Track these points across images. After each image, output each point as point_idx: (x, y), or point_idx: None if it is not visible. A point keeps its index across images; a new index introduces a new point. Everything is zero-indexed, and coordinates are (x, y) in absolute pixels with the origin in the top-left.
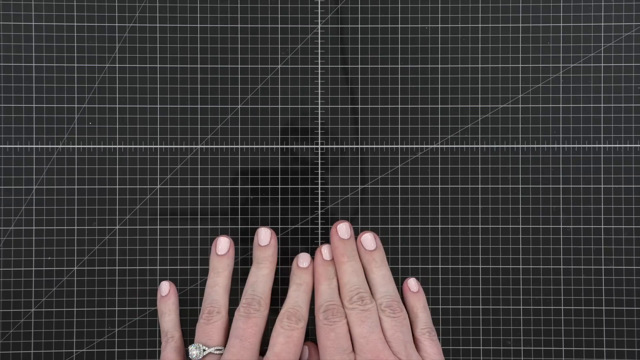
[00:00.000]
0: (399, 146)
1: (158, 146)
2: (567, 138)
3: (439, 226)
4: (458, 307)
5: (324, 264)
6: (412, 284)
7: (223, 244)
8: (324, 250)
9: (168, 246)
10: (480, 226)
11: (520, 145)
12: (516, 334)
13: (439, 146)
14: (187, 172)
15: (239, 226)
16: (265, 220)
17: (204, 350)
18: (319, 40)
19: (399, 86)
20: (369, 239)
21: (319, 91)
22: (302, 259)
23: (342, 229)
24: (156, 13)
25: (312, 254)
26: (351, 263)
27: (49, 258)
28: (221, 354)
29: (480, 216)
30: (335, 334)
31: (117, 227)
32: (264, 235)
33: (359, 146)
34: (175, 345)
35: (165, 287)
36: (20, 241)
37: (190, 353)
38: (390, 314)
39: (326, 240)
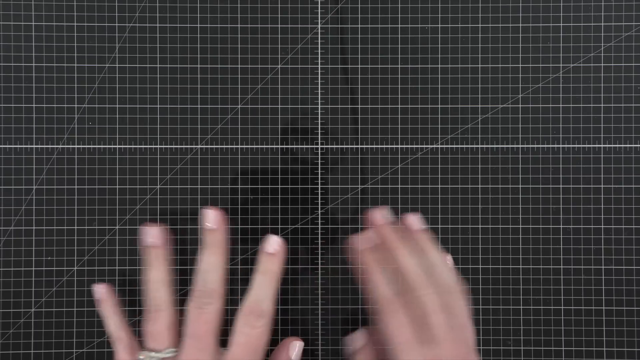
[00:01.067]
0: (399, 146)
1: (158, 146)
2: (567, 138)
3: (439, 226)
4: None
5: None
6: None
7: (152, 231)
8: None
9: (168, 246)
10: (480, 226)
11: (520, 145)
12: (516, 334)
13: (439, 146)
14: (187, 172)
15: (239, 226)
16: (265, 220)
17: (152, 358)
18: (319, 40)
19: (399, 86)
20: (414, 220)
21: (319, 91)
22: (269, 244)
23: (379, 215)
24: (156, 13)
25: (312, 254)
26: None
27: (49, 258)
28: (175, 354)
29: (480, 216)
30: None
31: (117, 227)
32: (211, 217)
33: (359, 146)
34: (124, 345)
35: (99, 291)
36: (20, 241)
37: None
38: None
39: (326, 240)
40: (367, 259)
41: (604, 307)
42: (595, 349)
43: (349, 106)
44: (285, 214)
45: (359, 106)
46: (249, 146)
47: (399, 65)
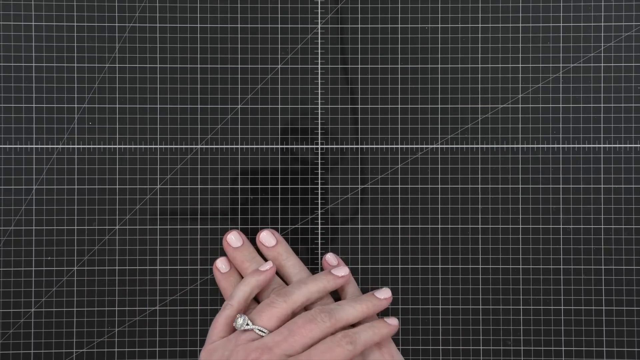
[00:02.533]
0: (399, 146)
1: (158, 146)
2: (567, 138)
3: (439, 226)
4: (458, 307)
5: (224, 277)
6: (330, 259)
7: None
8: (220, 264)
9: (168, 246)
10: (480, 226)
11: (520, 145)
12: (516, 334)
13: (439, 146)
14: (187, 172)
15: (239, 226)
16: (265, 220)
17: (247, 324)
18: (319, 40)
19: (399, 86)
20: (267, 237)
21: (319, 91)
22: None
23: (232, 238)
24: (156, 13)
25: (312, 254)
26: (253, 265)
27: (49, 258)
28: (263, 335)
29: (480, 216)
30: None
31: (117, 227)
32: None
33: (359, 146)
34: (230, 314)
35: (268, 265)
36: (20, 241)
37: (236, 320)
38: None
39: (326, 240)
40: (224, 284)
41: (604, 307)
42: (595, 349)
43: (349, 106)
44: (285, 214)
45: (359, 106)
46: (249, 146)
47: (399, 65)
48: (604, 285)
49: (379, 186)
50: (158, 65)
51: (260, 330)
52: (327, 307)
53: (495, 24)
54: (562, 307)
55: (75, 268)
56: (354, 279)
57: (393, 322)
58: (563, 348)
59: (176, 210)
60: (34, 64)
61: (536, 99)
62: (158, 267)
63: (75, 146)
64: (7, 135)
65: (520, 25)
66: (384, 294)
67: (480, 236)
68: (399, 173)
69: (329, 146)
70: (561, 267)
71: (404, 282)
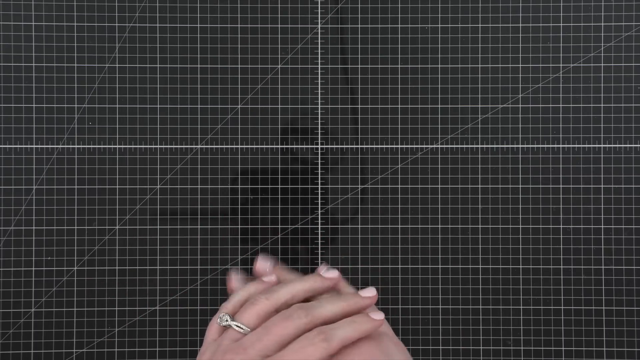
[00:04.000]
0: (399, 146)
1: (158, 146)
2: (567, 138)
3: (439, 226)
4: (458, 307)
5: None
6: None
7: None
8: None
9: (168, 246)
10: (480, 226)
11: (520, 145)
12: (516, 334)
13: (439, 146)
14: (187, 172)
15: (239, 226)
16: (265, 220)
17: (226, 320)
18: (319, 40)
19: (399, 86)
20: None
21: (319, 91)
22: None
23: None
24: (156, 13)
25: (312, 254)
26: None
27: (49, 258)
28: (244, 333)
29: (480, 216)
30: None
31: (117, 227)
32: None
33: (359, 146)
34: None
35: (272, 277)
36: (20, 241)
37: (219, 317)
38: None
39: (326, 240)
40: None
41: (604, 307)
42: (595, 349)
43: (349, 106)
44: (285, 214)
45: (359, 106)
46: (249, 146)
47: (399, 65)
48: (604, 285)
49: (379, 186)
50: (158, 65)
51: (238, 326)
52: (306, 304)
53: (495, 24)
54: (562, 307)
55: (75, 268)
56: (354, 278)
57: (377, 316)
58: (563, 348)
59: (176, 210)
60: (34, 64)
61: (536, 99)
62: (158, 267)
63: (75, 146)
64: (7, 135)
65: (520, 25)
66: (369, 293)
67: (480, 236)
68: (399, 173)
69: (329, 146)
70: (561, 267)
71: (404, 282)
